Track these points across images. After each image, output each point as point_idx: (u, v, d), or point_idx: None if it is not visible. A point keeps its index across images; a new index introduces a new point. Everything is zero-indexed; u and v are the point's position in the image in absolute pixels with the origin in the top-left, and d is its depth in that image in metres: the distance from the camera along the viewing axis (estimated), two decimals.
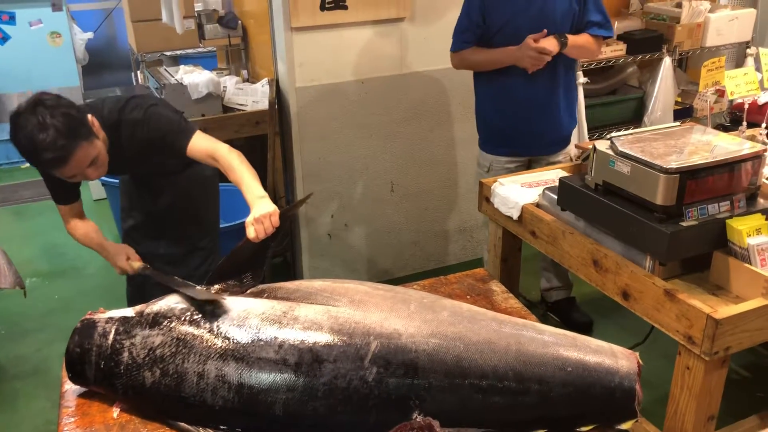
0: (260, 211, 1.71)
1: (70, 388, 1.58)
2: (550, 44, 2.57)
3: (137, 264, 2.21)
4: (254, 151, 3.32)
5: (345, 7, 3.01)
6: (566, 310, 3.17)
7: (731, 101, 3.40)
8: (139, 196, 2.44)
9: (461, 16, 2.75)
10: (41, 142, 1.81)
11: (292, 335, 1.45)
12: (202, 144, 2.10)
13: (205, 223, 2.51)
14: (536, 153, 2.86)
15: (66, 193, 2.24)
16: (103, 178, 3.57)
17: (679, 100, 4.08)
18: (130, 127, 2.11)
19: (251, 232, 1.67)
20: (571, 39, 2.62)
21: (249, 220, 1.69)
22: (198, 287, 1.66)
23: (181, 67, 3.98)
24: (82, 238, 2.28)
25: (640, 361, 1.50)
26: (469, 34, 2.72)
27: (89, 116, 1.97)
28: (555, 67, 2.69)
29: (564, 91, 2.78)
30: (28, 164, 5.13)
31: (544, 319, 3.09)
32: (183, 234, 2.44)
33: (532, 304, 3.19)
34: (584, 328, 3.08)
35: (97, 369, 1.51)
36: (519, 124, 2.78)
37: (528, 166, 2.88)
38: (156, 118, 2.13)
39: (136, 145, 2.13)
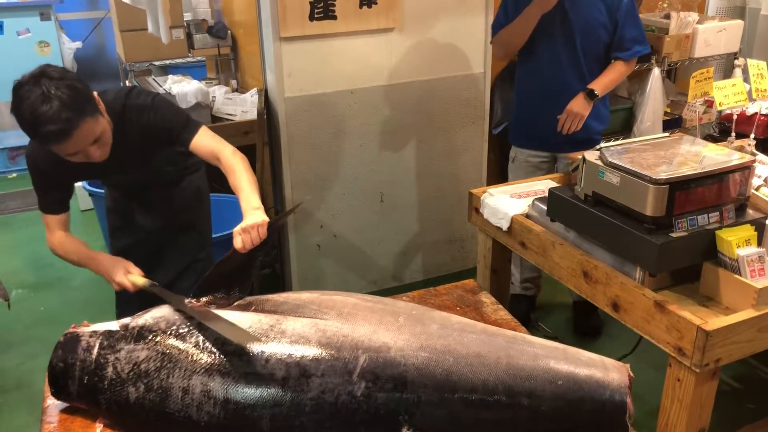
0: (249, 221, 1.69)
1: (53, 403, 1.55)
2: (580, 106, 2.69)
3: (141, 280, 1.93)
4: None
5: (334, 17, 3.01)
6: (587, 311, 3.14)
7: (720, 112, 3.42)
8: (135, 214, 2.36)
9: (499, 8, 2.85)
10: (44, 113, 1.70)
11: (280, 349, 1.43)
12: (207, 141, 2.03)
13: (203, 234, 2.48)
14: (560, 150, 2.89)
15: (56, 201, 2.11)
16: (90, 187, 3.59)
17: (668, 110, 4.09)
18: (136, 112, 2.01)
19: (238, 243, 1.65)
20: (600, 87, 2.71)
21: (237, 229, 1.66)
22: (186, 300, 1.64)
23: (170, 76, 3.97)
24: (68, 254, 2.10)
25: (631, 374, 1.49)
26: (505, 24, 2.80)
27: (95, 93, 1.88)
28: (582, 71, 2.75)
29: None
30: (15, 174, 5.15)
31: (533, 331, 3.09)
32: (184, 248, 2.39)
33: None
34: (593, 332, 3.12)
35: (81, 384, 1.48)
36: (544, 117, 2.80)
37: (553, 162, 2.94)
38: (163, 107, 2.05)
39: (141, 132, 2.02)
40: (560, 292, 3.28)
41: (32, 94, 1.72)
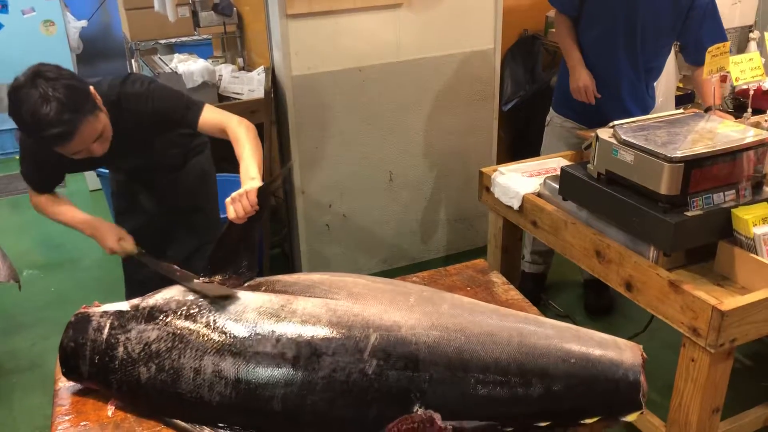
0: (240, 190, 1.65)
1: (64, 385, 1.55)
2: None
3: (130, 246, 2.04)
4: None
5: None
6: (598, 290, 3.12)
7: (734, 87, 3.36)
8: (140, 197, 2.35)
9: None
10: (44, 116, 1.69)
11: (290, 329, 1.42)
12: (212, 117, 2.00)
13: (210, 217, 2.46)
14: (596, 127, 2.83)
15: (42, 183, 2.11)
16: (98, 169, 3.58)
17: (681, 85, 4.02)
18: (132, 102, 1.99)
19: (231, 213, 1.61)
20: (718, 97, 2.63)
21: (227, 200, 1.63)
22: (197, 280, 1.63)
23: (176, 55, 3.93)
24: (54, 214, 2.11)
25: (645, 354, 1.47)
26: None
27: (91, 88, 1.85)
28: (637, 61, 2.68)
29: (634, 80, 2.75)
30: None
31: (544, 310, 3.07)
32: (191, 231, 2.37)
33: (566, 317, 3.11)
34: (604, 311, 3.10)
35: (92, 364, 1.48)
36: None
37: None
38: (159, 93, 2.01)
39: (139, 120, 2.00)
40: (570, 271, 3.26)
41: (30, 97, 1.70)
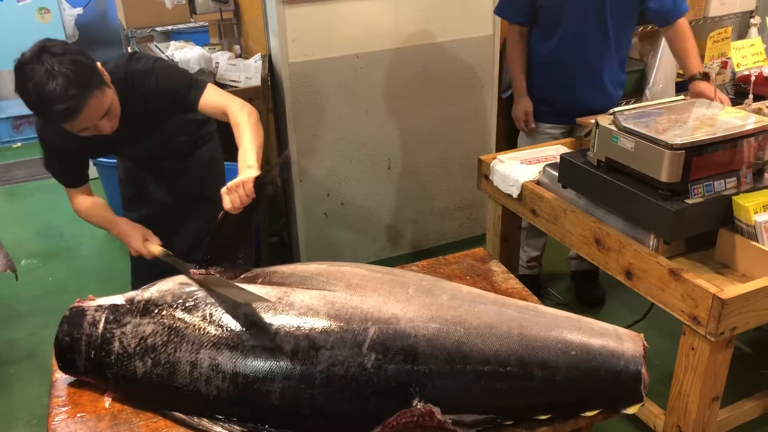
0: (236, 179, 1.62)
1: (61, 376, 1.55)
2: (707, 87, 2.48)
3: (157, 249, 1.99)
4: None
5: None
6: (587, 282, 3.11)
7: (734, 73, 3.33)
8: (148, 185, 2.33)
9: None
10: (51, 92, 1.65)
11: (288, 322, 1.41)
12: (214, 98, 1.96)
13: (218, 205, 2.44)
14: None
15: (73, 175, 2.11)
16: (99, 159, 3.55)
17: (681, 72, 3.99)
18: (138, 78, 1.95)
19: (227, 203, 1.59)
20: (699, 64, 2.55)
21: (223, 189, 1.61)
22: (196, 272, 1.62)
23: (172, 42, 3.90)
24: (90, 218, 2.12)
25: (646, 344, 1.47)
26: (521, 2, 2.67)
27: (99, 64, 1.82)
28: (610, 42, 2.62)
29: (611, 60, 2.69)
30: (19, 143, 5.12)
31: (543, 299, 3.07)
32: (199, 219, 2.35)
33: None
34: (597, 302, 3.07)
35: (88, 359, 1.48)
36: (568, 91, 2.71)
37: (570, 133, 2.83)
38: (164, 71, 1.98)
39: (145, 98, 1.97)
40: (562, 262, 3.25)
41: (36, 73, 1.67)
